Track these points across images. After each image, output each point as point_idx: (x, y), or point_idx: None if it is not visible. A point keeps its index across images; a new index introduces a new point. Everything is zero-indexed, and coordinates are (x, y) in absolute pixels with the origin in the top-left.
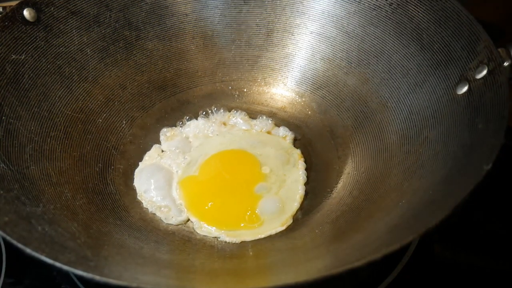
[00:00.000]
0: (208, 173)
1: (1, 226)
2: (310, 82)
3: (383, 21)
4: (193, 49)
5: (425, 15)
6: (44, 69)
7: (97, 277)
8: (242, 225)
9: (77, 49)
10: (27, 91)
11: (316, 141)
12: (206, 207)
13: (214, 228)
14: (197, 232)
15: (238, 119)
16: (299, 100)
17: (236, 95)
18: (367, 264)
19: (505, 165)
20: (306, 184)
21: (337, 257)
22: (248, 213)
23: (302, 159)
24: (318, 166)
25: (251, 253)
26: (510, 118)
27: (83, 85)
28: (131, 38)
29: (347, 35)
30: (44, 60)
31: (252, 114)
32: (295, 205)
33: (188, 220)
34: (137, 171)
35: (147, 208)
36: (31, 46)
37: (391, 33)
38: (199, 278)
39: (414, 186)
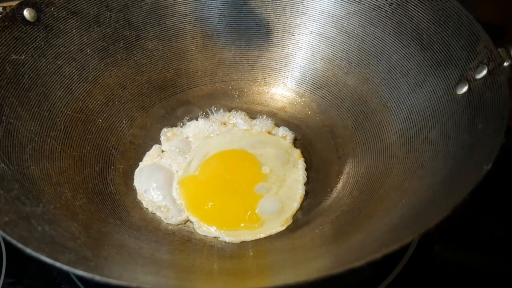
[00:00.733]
0: (208, 173)
1: (1, 226)
2: (310, 82)
3: (383, 21)
4: (193, 49)
5: (425, 15)
6: (44, 69)
7: (97, 277)
8: (242, 225)
9: (77, 49)
10: (27, 91)
11: (316, 141)
12: (206, 207)
13: (214, 228)
14: (197, 232)
15: (238, 119)
16: (299, 100)
17: (236, 95)
18: (367, 264)
19: (505, 165)
20: (306, 184)
21: (337, 257)
22: (248, 213)
23: (302, 159)
24: (318, 166)
25: (251, 253)
26: (510, 118)
27: (83, 85)
28: (131, 38)
29: (347, 35)
30: (44, 60)
31: (252, 114)
32: (295, 205)
33: (188, 220)
34: (137, 171)
35: (147, 208)
36: (31, 46)
37: (391, 33)
38: (199, 278)
39: (414, 186)
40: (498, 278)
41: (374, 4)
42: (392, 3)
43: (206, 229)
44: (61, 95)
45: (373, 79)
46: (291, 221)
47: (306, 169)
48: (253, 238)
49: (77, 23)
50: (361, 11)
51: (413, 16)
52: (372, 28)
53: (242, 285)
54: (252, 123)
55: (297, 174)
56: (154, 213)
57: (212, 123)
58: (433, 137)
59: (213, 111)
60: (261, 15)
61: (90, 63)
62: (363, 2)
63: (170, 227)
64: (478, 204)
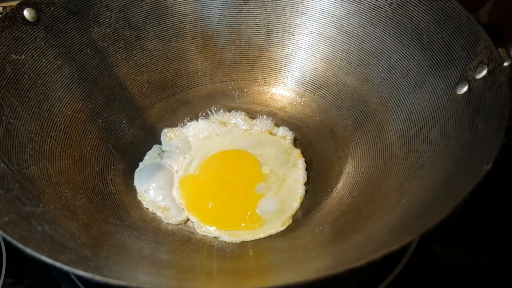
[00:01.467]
0: (208, 173)
1: (1, 226)
2: (310, 82)
3: (383, 21)
4: (193, 49)
5: (425, 15)
6: (44, 69)
7: (97, 277)
8: (242, 225)
9: (77, 49)
10: (27, 91)
11: (316, 141)
12: (206, 207)
13: (214, 228)
14: (197, 232)
15: (238, 119)
16: (299, 100)
17: (236, 95)
18: (367, 264)
19: (505, 165)
20: (306, 184)
21: (337, 257)
22: (248, 213)
23: (302, 159)
24: (318, 166)
25: (251, 253)
26: (510, 118)
27: (83, 85)
28: (131, 38)
29: (347, 35)
30: (44, 60)
31: (252, 114)
32: (295, 205)
33: (188, 220)
34: (137, 171)
35: (147, 208)
36: (31, 46)
37: (391, 33)
38: (199, 278)
39: (414, 186)
40: (498, 278)
41: (374, 4)
42: (392, 3)
43: (206, 229)
44: (61, 95)
45: (373, 79)
46: (291, 221)
47: (306, 169)
48: (253, 238)
49: (77, 23)
50: (361, 11)
51: (413, 16)
52: (372, 28)
53: (242, 285)
54: (252, 123)
55: (297, 174)
56: (154, 213)
57: (212, 123)
58: (433, 137)
59: (213, 111)
60: (261, 15)
61: (90, 63)
62: (363, 2)
63: (170, 227)
64: (478, 204)
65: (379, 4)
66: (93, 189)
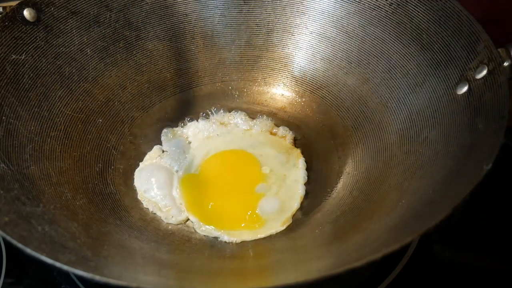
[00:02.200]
0: (208, 173)
1: (1, 226)
2: (310, 82)
3: (383, 21)
4: (193, 49)
5: (425, 15)
6: (44, 69)
7: (97, 277)
8: (242, 225)
9: (77, 49)
10: (27, 91)
11: (316, 141)
12: (206, 207)
13: (214, 228)
14: (197, 232)
15: (238, 119)
16: (299, 100)
17: (236, 95)
18: (367, 264)
19: (505, 165)
20: (306, 184)
21: (337, 257)
22: (248, 213)
23: (302, 159)
24: (318, 166)
25: (251, 253)
26: (510, 118)
27: (83, 85)
28: (131, 38)
29: (347, 35)
30: (44, 60)
31: (252, 114)
32: (295, 205)
33: (188, 219)
34: (137, 171)
35: (147, 208)
36: (31, 46)
37: (391, 33)
38: (199, 278)
39: (414, 186)
40: (498, 278)
41: (374, 4)
42: (392, 3)
43: (206, 229)
44: (61, 95)
45: (373, 79)
46: (291, 221)
47: (306, 169)
48: (253, 238)
49: (77, 23)
50: (361, 11)
51: (413, 16)
52: (372, 28)
53: (242, 285)
54: (252, 123)
55: (297, 174)
56: (154, 213)
57: (212, 124)
58: (433, 137)
59: (213, 111)
60: (261, 15)
61: (90, 63)
62: (363, 2)
63: (170, 227)
64: (478, 204)
65: (379, 4)
66: (93, 189)
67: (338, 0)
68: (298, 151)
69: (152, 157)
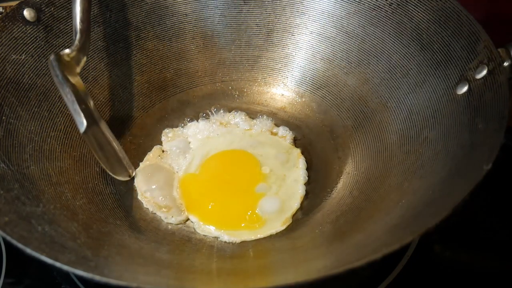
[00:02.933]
0: (208, 173)
1: (1, 226)
2: (310, 82)
3: (383, 21)
4: (193, 49)
5: (425, 15)
6: (44, 69)
7: (97, 277)
8: (242, 225)
9: None
10: (27, 91)
11: (316, 141)
12: (207, 207)
13: (214, 228)
14: (197, 232)
15: (238, 120)
16: (299, 100)
17: (236, 95)
18: (367, 264)
19: (505, 165)
20: (306, 184)
21: (337, 257)
22: (248, 213)
23: (302, 159)
24: (318, 166)
25: (251, 253)
26: (510, 118)
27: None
28: (131, 38)
29: (347, 35)
30: (44, 60)
31: (252, 114)
32: (295, 205)
33: (188, 219)
34: (137, 171)
35: (147, 208)
36: (31, 46)
37: (391, 33)
38: (199, 278)
39: (414, 186)
40: (498, 278)
41: (374, 4)
42: (392, 3)
43: (206, 229)
44: (61, 95)
45: (373, 79)
46: (291, 221)
47: (306, 169)
48: (253, 238)
49: None
50: (361, 11)
51: (413, 16)
52: (372, 28)
53: (242, 285)
54: (252, 123)
55: (297, 174)
56: (154, 213)
57: (213, 124)
58: (433, 137)
59: (213, 111)
60: (261, 15)
61: (90, 63)
62: (363, 2)
63: (170, 227)
64: (478, 204)
65: (379, 4)
66: (93, 189)
67: (338, 0)
68: (298, 151)
69: (152, 157)
